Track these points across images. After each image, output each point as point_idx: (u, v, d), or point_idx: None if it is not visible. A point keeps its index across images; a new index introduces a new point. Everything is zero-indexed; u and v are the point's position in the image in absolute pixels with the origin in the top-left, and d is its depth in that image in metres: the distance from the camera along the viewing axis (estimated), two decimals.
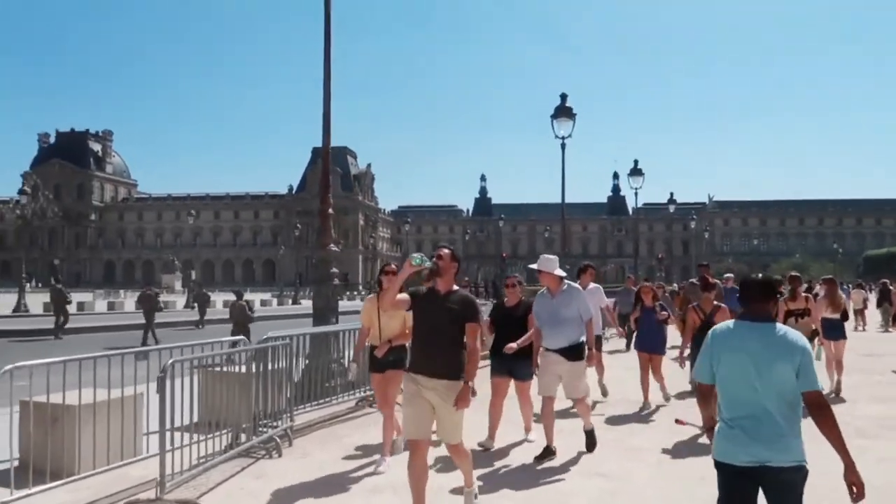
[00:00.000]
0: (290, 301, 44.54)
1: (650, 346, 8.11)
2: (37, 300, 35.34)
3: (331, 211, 9.81)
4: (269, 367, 5.50)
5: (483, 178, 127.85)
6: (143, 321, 17.55)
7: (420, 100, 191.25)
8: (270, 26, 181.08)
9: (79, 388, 4.85)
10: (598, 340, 8.19)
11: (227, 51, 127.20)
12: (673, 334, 11.70)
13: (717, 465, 3.04)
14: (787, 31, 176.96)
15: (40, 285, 76.90)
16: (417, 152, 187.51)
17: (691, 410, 7.07)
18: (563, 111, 16.86)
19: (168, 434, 4.44)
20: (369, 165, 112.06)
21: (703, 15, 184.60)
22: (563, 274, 5.97)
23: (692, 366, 6.36)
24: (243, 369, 5.43)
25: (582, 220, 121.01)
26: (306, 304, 32.13)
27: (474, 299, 4.38)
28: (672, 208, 43.06)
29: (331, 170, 9.84)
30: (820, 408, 2.89)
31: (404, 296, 4.31)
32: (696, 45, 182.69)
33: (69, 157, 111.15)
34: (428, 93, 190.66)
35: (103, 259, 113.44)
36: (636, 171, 28.85)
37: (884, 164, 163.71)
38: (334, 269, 9.64)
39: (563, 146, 17.13)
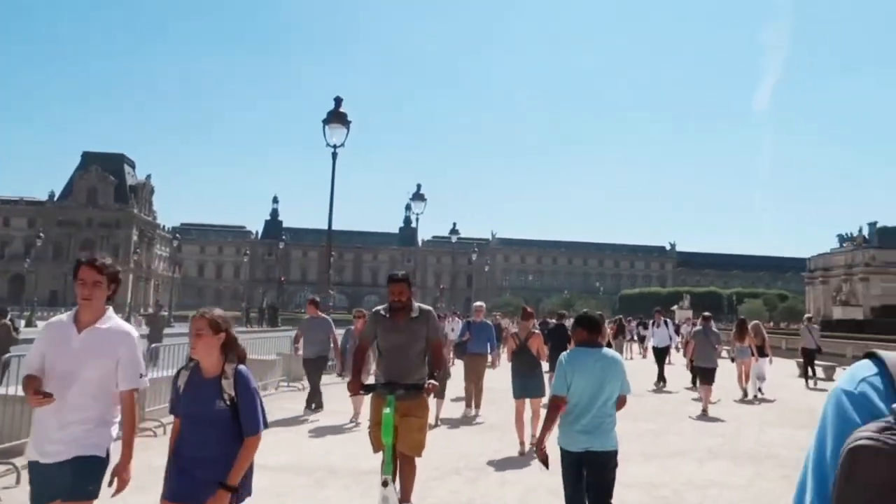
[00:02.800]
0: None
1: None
2: None
3: None
4: None
5: (275, 200, 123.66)
6: None
7: (212, 113, 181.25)
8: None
9: None
10: None
11: None
12: None
13: (562, 451, 4.14)
14: (561, 77, 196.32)
15: None
16: (206, 168, 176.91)
17: None
18: (336, 117, 15.95)
19: None
20: (149, 176, 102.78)
21: (486, 54, 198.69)
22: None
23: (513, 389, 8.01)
24: None
25: (374, 249, 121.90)
26: None
27: None
28: (454, 239, 44.18)
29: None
30: (623, 403, 4.25)
31: None
32: (472, 84, 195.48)
33: None
34: (224, 107, 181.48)
35: None
36: (419, 197, 28.97)
37: (637, 213, 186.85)
38: None
39: (334, 155, 16.14)
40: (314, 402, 10.39)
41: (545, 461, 4.18)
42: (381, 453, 4.47)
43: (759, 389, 13.90)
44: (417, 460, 4.81)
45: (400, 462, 4.75)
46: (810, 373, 17.03)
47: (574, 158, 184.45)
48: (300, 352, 10.93)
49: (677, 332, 23.06)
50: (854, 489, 0.88)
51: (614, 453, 4.09)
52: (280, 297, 64.78)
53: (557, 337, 10.91)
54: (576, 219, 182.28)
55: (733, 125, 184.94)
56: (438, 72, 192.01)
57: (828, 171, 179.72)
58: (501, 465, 7.06)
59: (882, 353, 1.04)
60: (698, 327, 13.38)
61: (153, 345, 18.24)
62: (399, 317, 4.83)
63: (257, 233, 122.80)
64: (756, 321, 15.53)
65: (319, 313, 10.86)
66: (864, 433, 0.90)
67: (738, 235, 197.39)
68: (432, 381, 4.70)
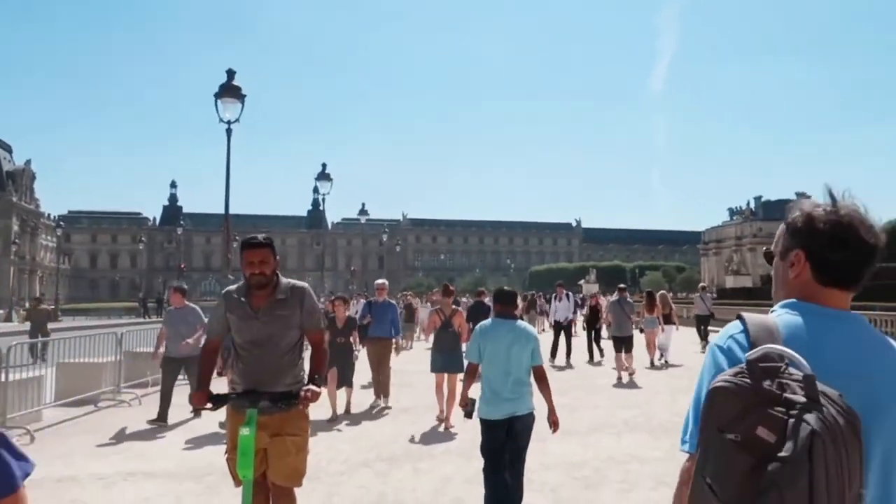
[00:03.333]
0: None
1: None
2: None
3: None
4: None
5: (173, 185, 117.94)
6: None
7: (99, 95, 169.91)
8: None
9: None
10: None
11: None
12: None
13: (484, 421, 4.37)
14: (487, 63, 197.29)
15: None
16: (95, 153, 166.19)
17: None
18: (228, 90, 14.85)
19: None
20: (28, 162, 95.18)
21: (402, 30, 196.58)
22: None
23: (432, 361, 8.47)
24: None
25: (281, 233, 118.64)
26: None
27: None
28: (364, 220, 43.31)
29: None
30: (542, 377, 4.46)
31: None
32: (376, 65, 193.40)
33: None
34: (112, 87, 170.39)
35: None
36: (324, 176, 27.95)
37: (544, 191, 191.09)
38: None
39: (228, 132, 15.07)
40: (160, 413, 8.38)
41: (469, 413, 4.60)
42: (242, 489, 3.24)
43: (664, 357, 14.79)
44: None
45: (273, 498, 3.45)
46: (706, 337, 18.42)
47: (481, 139, 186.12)
48: (159, 351, 8.96)
49: (581, 305, 22.63)
50: (713, 418, 1.15)
51: (532, 413, 4.45)
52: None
53: (476, 314, 10.77)
54: (486, 198, 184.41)
55: (632, 105, 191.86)
56: (341, 51, 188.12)
57: (719, 149, 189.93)
58: (415, 453, 6.62)
59: (747, 315, 1.33)
60: (615, 298, 13.88)
61: (34, 339, 16.77)
62: (259, 298, 3.44)
63: (155, 219, 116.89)
64: (663, 291, 16.48)
65: (187, 303, 9.13)
66: (723, 377, 1.17)
67: (638, 211, 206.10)
68: (311, 388, 3.31)
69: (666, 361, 14.69)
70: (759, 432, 1.08)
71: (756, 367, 1.14)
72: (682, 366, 14.24)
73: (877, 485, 1.21)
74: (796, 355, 1.15)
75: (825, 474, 1.04)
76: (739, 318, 1.33)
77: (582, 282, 59.04)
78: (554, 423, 4.42)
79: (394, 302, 10.68)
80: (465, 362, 4.92)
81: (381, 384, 9.37)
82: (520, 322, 4.62)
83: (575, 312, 17.48)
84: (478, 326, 4.69)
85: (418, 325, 21.59)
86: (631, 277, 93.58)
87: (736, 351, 1.27)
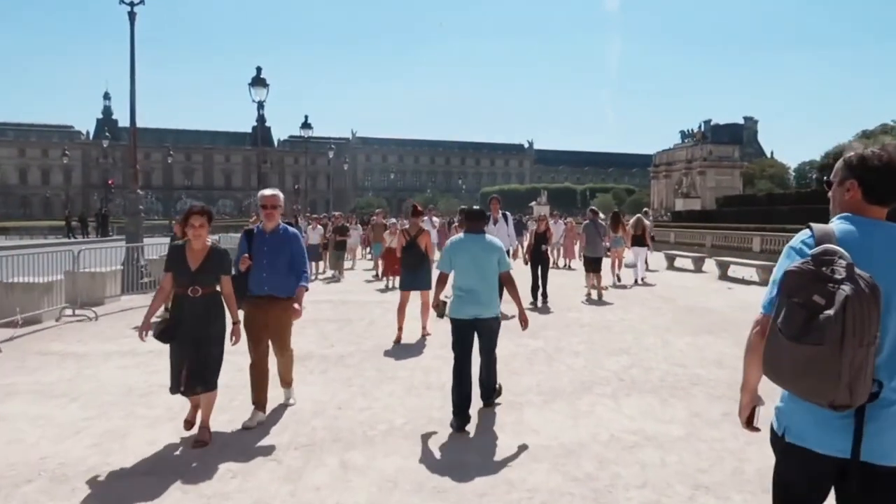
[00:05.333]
0: None
1: None
2: None
3: None
4: None
5: (107, 97, 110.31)
6: None
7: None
8: None
9: None
10: None
11: None
12: None
13: (453, 320, 5.05)
14: None
15: None
16: (21, 58, 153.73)
17: None
18: None
19: None
20: None
21: None
22: None
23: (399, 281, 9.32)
24: None
25: (226, 150, 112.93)
26: None
27: None
28: (307, 134, 40.12)
29: None
30: (509, 280, 5.14)
31: None
32: None
33: None
34: None
35: None
36: (259, 81, 24.94)
37: (496, 111, 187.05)
38: None
39: (131, 15, 12.49)
40: None
41: (441, 313, 5.16)
42: None
43: (637, 277, 15.14)
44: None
45: None
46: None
47: (434, 56, 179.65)
48: None
49: (521, 229, 17.93)
50: (786, 288, 1.82)
51: (497, 318, 5.08)
52: (107, 203, 57.79)
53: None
54: (437, 118, 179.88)
55: (587, 26, 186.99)
56: None
57: (672, 72, 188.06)
58: (346, 435, 4.74)
59: (814, 224, 1.97)
60: (587, 221, 13.48)
61: None
62: None
63: (88, 133, 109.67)
64: (638, 214, 16.42)
65: None
66: (795, 264, 1.85)
67: (591, 133, 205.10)
68: None
69: (636, 281, 14.91)
70: (815, 298, 1.74)
71: (818, 258, 1.80)
72: (655, 285, 14.61)
73: (894, 332, 1.89)
74: (843, 251, 1.81)
75: (853, 322, 1.70)
76: (808, 226, 1.97)
77: (533, 203, 57.68)
78: (523, 322, 5.07)
79: (297, 230, 5.47)
80: (436, 273, 5.33)
81: (282, 369, 5.46)
82: (487, 235, 5.19)
83: (520, 237, 15.32)
84: (449, 241, 5.36)
85: (348, 252, 19.39)
86: (581, 199, 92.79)
87: (805, 249, 1.92)
